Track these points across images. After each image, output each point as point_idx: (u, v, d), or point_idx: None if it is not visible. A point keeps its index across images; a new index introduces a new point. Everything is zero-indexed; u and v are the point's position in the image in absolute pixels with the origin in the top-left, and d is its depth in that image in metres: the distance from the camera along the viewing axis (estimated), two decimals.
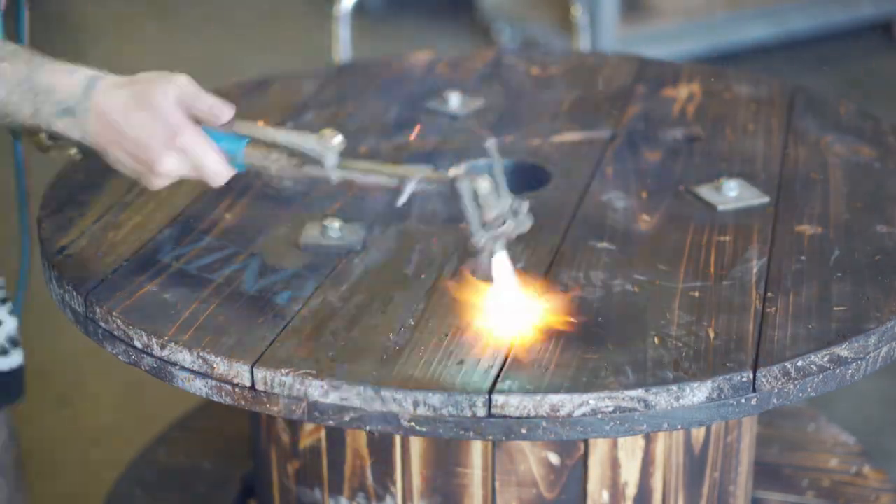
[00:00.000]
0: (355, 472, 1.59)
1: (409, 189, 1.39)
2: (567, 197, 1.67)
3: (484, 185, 1.35)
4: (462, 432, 1.29)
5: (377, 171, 1.43)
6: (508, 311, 1.40)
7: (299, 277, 1.48)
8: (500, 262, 1.38)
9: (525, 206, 1.39)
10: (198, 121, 1.41)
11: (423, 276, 1.48)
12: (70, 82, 1.40)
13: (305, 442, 1.62)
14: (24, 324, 1.82)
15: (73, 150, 1.55)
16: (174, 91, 1.40)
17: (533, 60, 2.14)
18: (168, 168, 1.40)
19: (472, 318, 1.39)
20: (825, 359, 1.35)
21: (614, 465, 1.56)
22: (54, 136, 1.50)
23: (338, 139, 1.41)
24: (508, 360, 1.33)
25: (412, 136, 1.77)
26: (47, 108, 1.40)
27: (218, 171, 1.42)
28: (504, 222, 1.37)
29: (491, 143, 1.39)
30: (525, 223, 1.39)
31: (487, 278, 1.40)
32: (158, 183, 1.43)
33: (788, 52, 4.53)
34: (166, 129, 1.38)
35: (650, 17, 4.35)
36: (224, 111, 1.42)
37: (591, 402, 1.28)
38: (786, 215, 1.62)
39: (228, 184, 1.51)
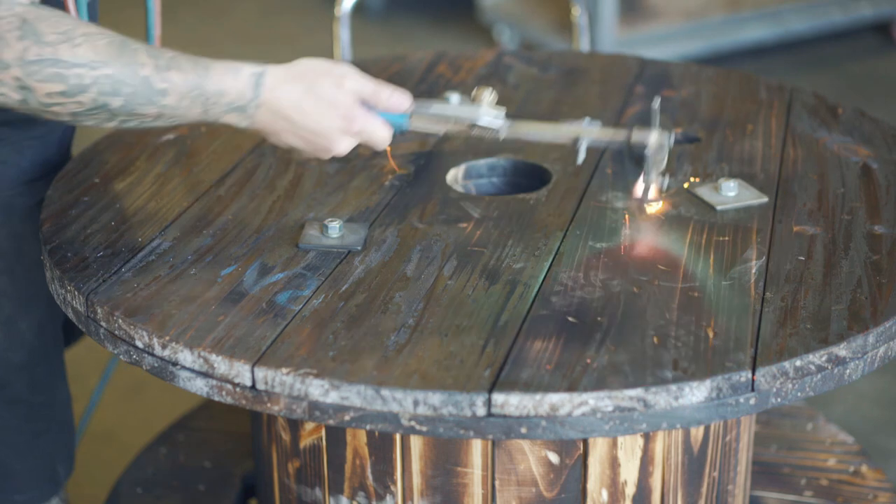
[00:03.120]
0: (356, 471, 1.59)
1: (584, 148, 1.56)
2: (567, 197, 1.67)
3: (653, 141, 1.56)
4: (462, 431, 1.30)
5: (545, 130, 1.61)
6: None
7: (300, 277, 1.49)
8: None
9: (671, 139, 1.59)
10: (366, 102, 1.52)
11: (423, 276, 1.49)
12: (237, 84, 1.46)
13: (306, 441, 1.63)
14: None
15: None
16: (350, 84, 1.49)
17: (533, 61, 2.15)
18: (343, 149, 1.51)
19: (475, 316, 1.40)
20: (823, 358, 1.35)
21: (614, 464, 1.56)
22: None
23: (488, 98, 1.55)
24: (508, 359, 1.33)
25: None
26: (217, 110, 1.46)
27: (385, 140, 1.53)
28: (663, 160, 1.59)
29: (655, 103, 1.57)
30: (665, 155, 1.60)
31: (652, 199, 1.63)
32: (333, 154, 1.52)
33: (787, 53, 4.53)
34: (343, 120, 1.48)
35: (649, 18, 4.34)
36: (404, 103, 1.52)
37: (591, 401, 1.29)
38: (784, 215, 1.62)
39: (230, 184, 1.51)
